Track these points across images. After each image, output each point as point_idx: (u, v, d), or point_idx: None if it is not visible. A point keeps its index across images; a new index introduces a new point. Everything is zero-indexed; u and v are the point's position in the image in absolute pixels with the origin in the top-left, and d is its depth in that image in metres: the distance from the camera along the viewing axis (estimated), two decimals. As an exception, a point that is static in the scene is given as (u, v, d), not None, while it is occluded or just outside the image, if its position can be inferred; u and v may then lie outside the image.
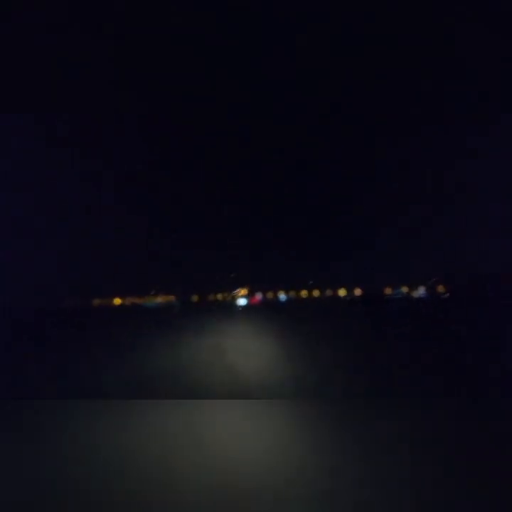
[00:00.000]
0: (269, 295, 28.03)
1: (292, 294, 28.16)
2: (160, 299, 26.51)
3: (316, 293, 27.95)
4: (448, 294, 22.33)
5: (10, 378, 3.71)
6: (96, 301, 26.23)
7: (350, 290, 26.98)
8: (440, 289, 24.52)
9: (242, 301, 27.09)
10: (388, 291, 25.60)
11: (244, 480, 1.60)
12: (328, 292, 27.85)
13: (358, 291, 27.26)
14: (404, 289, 25.82)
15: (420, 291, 26.30)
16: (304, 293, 28.07)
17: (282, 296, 28.33)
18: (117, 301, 27.10)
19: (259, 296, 28.21)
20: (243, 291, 27.53)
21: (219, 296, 27.05)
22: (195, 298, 26.70)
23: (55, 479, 1.68)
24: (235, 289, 26.51)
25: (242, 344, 5.46)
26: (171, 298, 26.38)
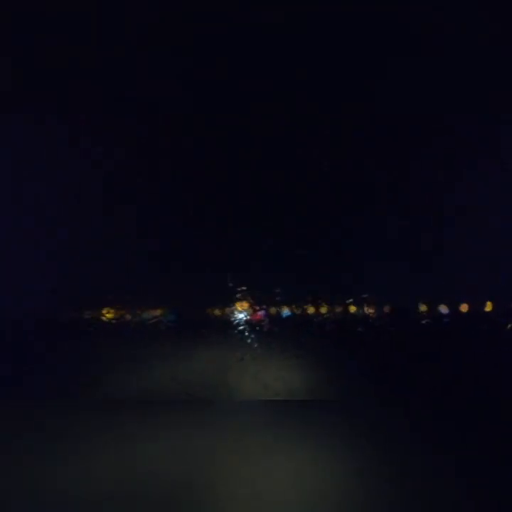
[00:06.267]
0: (272, 311, 26.09)
1: (297, 310, 26.11)
2: (153, 312, 25.26)
3: (323, 309, 25.80)
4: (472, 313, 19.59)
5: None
6: (87, 313, 25.36)
7: (360, 306, 24.79)
8: (463, 308, 21.85)
9: (241, 316, 25.16)
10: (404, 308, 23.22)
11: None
12: (338, 308, 25.65)
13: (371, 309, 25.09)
14: (423, 307, 23.32)
15: (442, 310, 23.72)
16: (310, 309, 25.95)
17: (285, 312, 26.24)
18: (109, 313, 26.14)
19: (261, 311, 26.30)
20: (242, 306, 25.69)
21: (216, 311, 25.39)
22: (190, 311, 25.21)
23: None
24: (233, 303, 24.80)
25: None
26: (165, 310, 25.06)
